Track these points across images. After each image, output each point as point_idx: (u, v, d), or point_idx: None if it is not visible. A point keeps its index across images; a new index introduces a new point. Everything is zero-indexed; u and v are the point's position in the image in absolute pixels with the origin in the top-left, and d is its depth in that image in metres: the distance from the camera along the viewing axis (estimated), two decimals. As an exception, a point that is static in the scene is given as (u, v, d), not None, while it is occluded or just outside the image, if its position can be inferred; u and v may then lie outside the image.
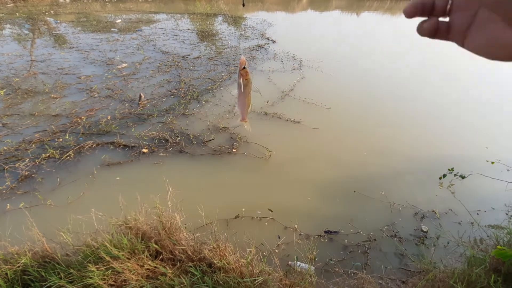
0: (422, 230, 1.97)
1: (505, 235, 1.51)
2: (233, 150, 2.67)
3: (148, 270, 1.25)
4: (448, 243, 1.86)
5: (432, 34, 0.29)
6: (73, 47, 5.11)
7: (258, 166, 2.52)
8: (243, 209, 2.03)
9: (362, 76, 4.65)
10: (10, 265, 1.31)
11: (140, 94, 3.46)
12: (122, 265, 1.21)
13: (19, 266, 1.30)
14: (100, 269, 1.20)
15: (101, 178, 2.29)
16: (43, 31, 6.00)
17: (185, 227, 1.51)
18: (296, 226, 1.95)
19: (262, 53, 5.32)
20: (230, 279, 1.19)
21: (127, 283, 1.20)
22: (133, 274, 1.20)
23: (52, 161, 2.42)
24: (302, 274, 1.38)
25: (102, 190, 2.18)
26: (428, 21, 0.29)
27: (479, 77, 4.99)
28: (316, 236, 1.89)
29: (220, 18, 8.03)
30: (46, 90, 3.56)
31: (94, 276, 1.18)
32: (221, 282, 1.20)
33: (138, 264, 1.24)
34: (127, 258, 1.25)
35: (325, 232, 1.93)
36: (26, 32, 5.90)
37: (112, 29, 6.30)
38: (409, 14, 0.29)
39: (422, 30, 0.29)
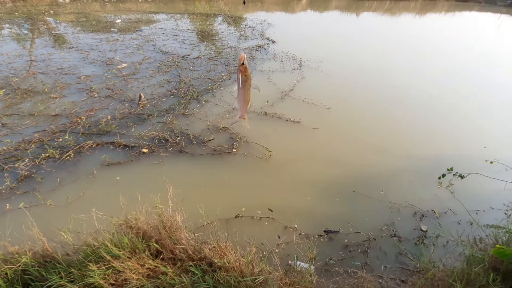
0: (421, 230, 1.98)
1: (504, 234, 1.52)
2: (233, 150, 2.68)
3: (148, 270, 1.26)
4: (447, 242, 1.87)
5: None
6: (72, 47, 5.10)
7: (258, 166, 2.53)
8: (243, 209, 2.04)
9: (361, 76, 4.67)
10: (10, 265, 1.31)
11: (140, 94, 3.46)
12: (122, 264, 1.21)
13: (19, 266, 1.30)
14: (101, 268, 1.20)
15: (101, 178, 2.29)
16: (43, 31, 5.99)
17: (186, 227, 1.52)
18: (296, 225, 1.95)
19: (262, 53, 5.33)
20: (231, 278, 1.20)
21: (128, 282, 1.20)
22: (133, 273, 1.20)
23: (52, 161, 2.41)
24: (302, 273, 1.38)
25: (102, 190, 2.18)
26: None
27: (478, 78, 5.01)
28: (316, 236, 1.89)
29: (220, 18, 8.03)
30: (46, 90, 3.55)
31: (95, 275, 1.18)
32: (221, 281, 1.20)
33: (138, 264, 1.24)
34: (128, 257, 1.26)
35: (325, 231, 1.93)
36: (26, 32, 5.89)
37: (111, 29, 6.29)
38: None
39: None
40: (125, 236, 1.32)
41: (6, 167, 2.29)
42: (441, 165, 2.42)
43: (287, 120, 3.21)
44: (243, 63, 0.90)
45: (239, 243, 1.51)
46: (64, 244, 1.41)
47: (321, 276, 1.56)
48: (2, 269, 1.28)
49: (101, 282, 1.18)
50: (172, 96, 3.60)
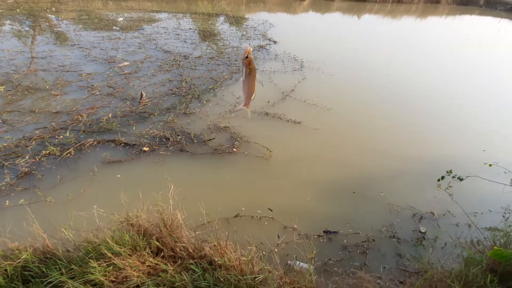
0: (420, 231, 2.00)
1: (502, 236, 1.54)
2: (234, 149, 2.68)
3: (149, 267, 1.26)
4: (446, 244, 1.88)
5: None
6: (74, 44, 5.10)
7: (259, 165, 2.54)
8: (243, 208, 2.05)
9: (362, 77, 4.69)
10: (10, 261, 1.31)
11: (141, 92, 3.46)
12: (123, 262, 1.21)
13: (19, 262, 1.31)
14: (102, 265, 1.21)
15: (101, 176, 2.29)
16: (44, 28, 5.99)
17: (186, 225, 1.52)
18: (295, 225, 1.96)
19: (264, 53, 5.35)
20: (231, 277, 1.20)
21: (128, 279, 1.20)
22: (134, 270, 1.21)
23: (53, 158, 2.41)
24: (302, 273, 1.39)
25: (102, 188, 2.18)
26: None
27: (479, 81, 5.04)
28: (315, 236, 1.90)
29: (222, 18, 8.05)
30: (47, 87, 3.55)
31: (96, 272, 1.18)
32: (222, 279, 1.21)
33: (139, 261, 1.25)
34: (129, 254, 1.26)
35: (324, 232, 1.94)
36: (27, 28, 5.88)
37: (113, 27, 6.29)
38: None
39: None
40: (126, 233, 1.33)
41: (6, 163, 2.29)
42: (440, 167, 2.43)
43: (288, 121, 3.22)
44: (247, 56, 0.92)
45: (239, 242, 1.52)
46: (65, 241, 1.41)
47: (320, 276, 1.57)
48: (1, 266, 1.28)
49: (102, 279, 1.18)
50: (173, 95, 3.60)
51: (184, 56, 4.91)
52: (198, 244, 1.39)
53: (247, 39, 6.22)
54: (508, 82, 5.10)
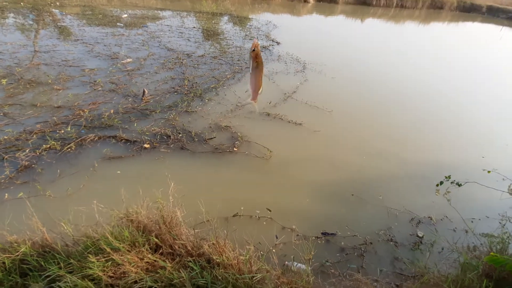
0: (417, 236, 2.01)
1: (498, 243, 1.55)
2: (234, 149, 2.69)
3: (147, 263, 1.27)
4: (443, 249, 1.89)
5: None
6: (78, 39, 5.10)
7: (258, 166, 2.54)
8: (242, 208, 2.05)
9: (364, 81, 4.71)
10: (8, 254, 1.31)
11: (143, 89, 3.47)
12: (122, 257, 1.22)
13: (18, 255, 1.31)
14: (100, 260, 1.21)
15: (102, 171, 2.29)
16: (48, 22, 5.99)
17: (185, 223, 1.53)
18: (294, 226, 1.97)
19: (267, 54, 5.36)
20: (229, 275, 1.21)
21: (126, 275, 1.21)
22: (132, 266, 1.21)
23: (53, 153, 2.41)
24: (299, 274, 1.40)
25: (102, 183, 2.18)
26: None
27: (480, 88, 5.07)
28: (314, 237, 1.91)
29: (226, 18, 8.07)
30: (49, 81, 3.55)
31: (94, 267, 1.19)
32: (219, 277, 1.21)
33: (138, 257, 1.25)
34: (128, 250, 1.26)
35: (322, 233, 1.95)
36: (31, 22, 5.88)
37: (117, 24, 6.30)
38: None
39: None
40: (126, 229, 1.33)
41: (6, 156, 2.29)
42: (439, 172, 2.45)
43: (289, 122, 3.23)
44: (254, 49, 0.92)
45: (237, 241, 1.53)
46: (64, 235, 1.42)
47: (317, 277, 1.58)
48: (0, 258, 1.28)
49: (100, 274, 1.19)
50: (175, 93, 3.61)
51: (187, 54, 4.92)
52: (196, 242, 1.39)
53: (250, 39, 6.23)
54: (510, 90, 5.13)
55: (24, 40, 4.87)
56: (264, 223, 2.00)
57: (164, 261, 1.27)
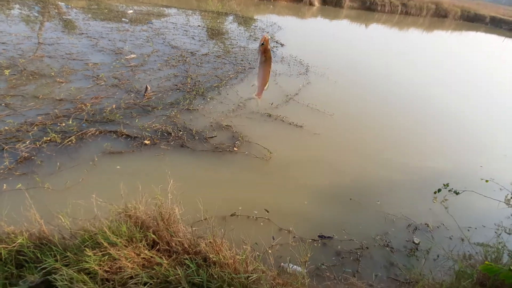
0: (414, 242, 2.01)
1: (493, 252, 1.56)
2: (235, 148, 2.70)
3: (144, 259, 1.27)
4: (438, 256, 1.90)
5: None
6: (82, 33, 5.11)
7: (258, 166, 2.55)
8: (240, 208, 2.06)
9: (366, 86, 4.73)
10: (5, 245, 1.31)
11: (146, 85, 3.47)
12: (119, 252, 1.22)
13: (14, 246, 1.31)
14: (97, 254, 1.21)
15: (101, 166, 2.29)
16: (53, 14, 6.00)
17: (183, 220, 1.53)
18: (291, 228, 1.97)
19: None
20: (225, 274, 1.21)
21: (122, 270, 1.21)
22: (129, 261, 1.21)
23: (53, 145, 2.41)
24: (295, 276, 1.40)
25: (101, 178, 2.18)
26: None
27: (479, 97, 5.10)
28: (310, 240, 1.91)
29: (231, 18, 8.10)
30: (52, 74, 3.55)
31: (91, 261, 1.19)
32: (215, 276, 1.22)
33: (134, 252, 1.25)
34: (125, 245, 1.27)
35: (319, 236, 1.96)
36: (36, 14, 5.89)
37: (123, 19, 6.31)
38: None
39: None
40: (124, 224, 1.34)
41: (6, 147, 2.29)
42: (437, 180, 2.46)
43: (290, 124, 3.24)
44: (263, 43, 0.92)
45: (234, 240, 1.53)
46: (61, 228, 1.42)
47: (312, 279, 1.58)
48: (-4, 248, 1.28)
49: (96, 268, 1.19)
50: (178, 91, 3.62)
51: (191, 52, 4.94)
52: (194, 239, 1.39)
53: (254, 40, 6.25)
54: (508, 99, 5.16)
55: (29, 31, 4.88)
56: (262, 223, 2.00)
57: (160, 257, 1.27)
